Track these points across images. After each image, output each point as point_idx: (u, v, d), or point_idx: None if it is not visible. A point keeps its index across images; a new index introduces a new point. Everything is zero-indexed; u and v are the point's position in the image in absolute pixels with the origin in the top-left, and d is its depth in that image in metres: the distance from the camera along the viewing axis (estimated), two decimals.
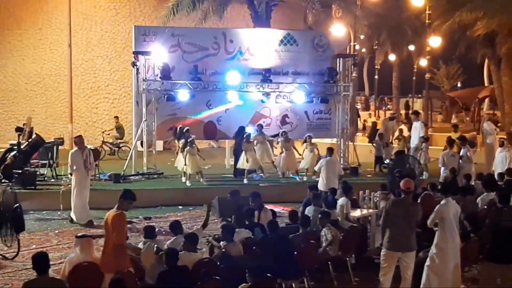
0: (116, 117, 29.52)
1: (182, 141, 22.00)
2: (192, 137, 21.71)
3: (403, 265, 11.18)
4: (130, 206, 10.53)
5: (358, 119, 42.80)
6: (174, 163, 22.69)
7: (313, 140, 23.42)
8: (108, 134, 29.38)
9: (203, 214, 18.99)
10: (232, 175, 23.32)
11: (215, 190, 20.46)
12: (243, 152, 22.16)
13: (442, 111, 61.19)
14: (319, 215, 13.12)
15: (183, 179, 22.15)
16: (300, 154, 23.47)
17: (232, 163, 25.35)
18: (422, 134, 24.50)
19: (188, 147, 21.39)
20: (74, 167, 17.74)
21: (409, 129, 27.58)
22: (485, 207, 14.78)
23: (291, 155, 23.02)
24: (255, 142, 22.91)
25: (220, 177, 23.03)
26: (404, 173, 16.79)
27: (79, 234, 10.96)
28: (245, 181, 22.12)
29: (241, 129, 23.28)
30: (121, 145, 28.64)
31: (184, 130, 22.21)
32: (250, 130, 23.46)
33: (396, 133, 27.55)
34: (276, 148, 25.04)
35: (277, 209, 17.73)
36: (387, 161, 23.40)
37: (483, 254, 11.56)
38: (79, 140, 18.34)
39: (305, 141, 23.41)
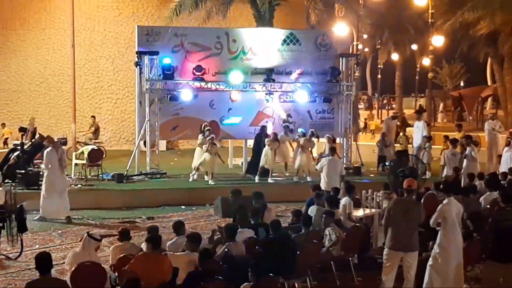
0: (93, 117, 29.38)
1: (201, 139, 22.00)
2: (212, 135, 21.73)
3: (406, 265, 11.20)
4: None
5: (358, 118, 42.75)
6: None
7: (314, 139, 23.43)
8: (85, 135, 29.20)
9: (206, 214, 19.19)
10: (244, 174, 23.65)
11: (218, 189, 20.50)
12: (267, 150, 22.21)
13: (444, 111, 61.03)
14: (324, 215, 13.13)
15: (191, 177, 22.18)
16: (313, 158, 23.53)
17: (235, 162, 25.47)
18: (425, 134, 24.49)
19: (209, 146, 21.44)
20: (49, 166, 17.74)
21: (404, 131, 27.67)
22: (488, 206, 14.79)
23: (307, 155, 22.99)
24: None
25: (224, 177, 23.00)
26: (407, 173, 16.83)
27: (91, 233, 10.91)
28: (256, 179, 22.27)
29: (264, 128, 23.31)
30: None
31: (205, 129, 22.27)
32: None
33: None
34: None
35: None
36: (388, 162, 23.33)
37: (485, 253, 11.57)
38: (50, 140, 18.42)
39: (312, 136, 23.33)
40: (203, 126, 22.68)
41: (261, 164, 22.37)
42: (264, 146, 22.35)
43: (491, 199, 14.88)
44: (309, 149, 23.03)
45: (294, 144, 23.66)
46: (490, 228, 11.18)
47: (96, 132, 28.69)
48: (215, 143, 21.68)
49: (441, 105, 61.04)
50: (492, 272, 11.05)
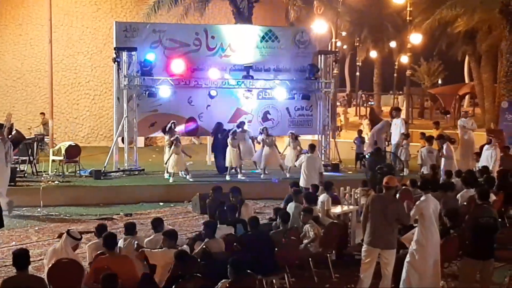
0: (43, 113, 29.10)
1: (167, 137, 22.04)
2: (176, 136, 21.72)
3: (383, 262, 11.22)
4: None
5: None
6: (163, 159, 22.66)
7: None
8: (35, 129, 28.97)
9: (184, 210, 19.15)
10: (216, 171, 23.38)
11: (196, 186, 20.46)
12: (229, 148, 22.16)
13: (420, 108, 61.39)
14: (302, 212, 13.15)
15: (166, 175, 22.16)
16: (279, 152, 23.52)
17: (214, 159, 25.41)
18: (402, 131, 24.57)
19: (173, 147, 21.41)
20: None
21: (369, 126, 27.71)
22: (465, 203, 14.87)
23: (273, 151, 23.02)
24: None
25: (202, 174, 22.98)
26: (385, 170, 16.89)
27: (71, 231, 10.82)
28: (227, 177, 22.15)
29: (219, 125, 23.33)
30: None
31: (168, 128, 22.24)
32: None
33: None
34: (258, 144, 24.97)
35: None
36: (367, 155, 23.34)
37: (462, 250, 11.63)
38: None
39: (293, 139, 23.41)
40: (171, 124, 22.56)
41: (226, 164, 22.38)
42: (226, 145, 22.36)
43: (468, 196, 14.98)
44: (271, 146, 23.00)
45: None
46: (467, 225, 11.21)
47: (46, 128, 28.33)
48: (179, 142, 21.60)
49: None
50: (469, 269, 11.10)
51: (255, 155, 23.53)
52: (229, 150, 22.17)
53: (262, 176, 22.86)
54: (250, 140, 23.70)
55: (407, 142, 24.21)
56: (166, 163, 22.00)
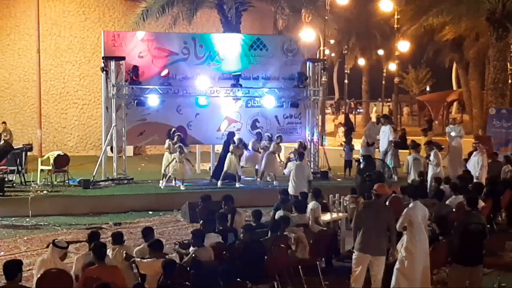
0: (4, 123, 28.88)
1: (169, 144, 21.95)
2: (180, 144, 21.65)
3: (373, 269, 11.26)
4: None
5: None
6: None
7: (284, 144, 23.51)
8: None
9: (174, 219, 19.13)
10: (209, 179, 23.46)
11: (185, 195, 20.43)
12: (230, 155, 22.19)
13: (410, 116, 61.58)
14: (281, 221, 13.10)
15: (162, 183, 22.14)
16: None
17: (203, 168, 25.41)
18: (391, 138, 24.63)
19: (177, 153, 21.38)
20: None
21: (345, 134, 27.79)
22: (453, 210, 14.91)
23: (275, 159, 23.04)
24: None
25: (191, 182, 22.93)
26: (374, 177, 16.91)
27: (57, 241, 10.79)
28: (219, 184, 22.22)
29: (232, 135, 23.28)
30: None
31: (173, 135, 22.21)
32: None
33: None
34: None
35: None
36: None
37: (451, 256, 11.67)
38: None
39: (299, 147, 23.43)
40: (172, 131, 22.60)
41: (224, 169, 22.37)
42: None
43: (457, 202, 15.03)
44: (275, 152, 23.06)
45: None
46: (455, 231, 11.26)
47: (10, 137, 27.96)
48: (183, 150, 21.59)
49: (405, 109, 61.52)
50: (458, 275, 11.15)
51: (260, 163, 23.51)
52: (230, 157, 22.17)
53: (258, 182, 22.84)
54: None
55: (395, 149, 24.25)
56: (165, 168, 21.90)
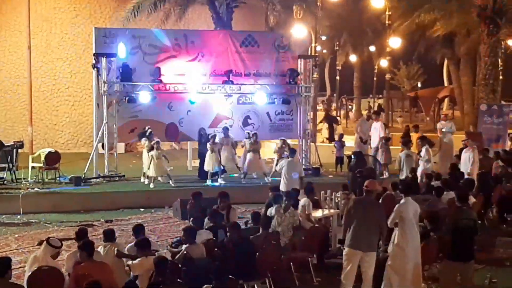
0: None
1: (146, 143, 21.97)
2: (156, 139, 21.66)
3: (364, 265, 11.27)
4: None
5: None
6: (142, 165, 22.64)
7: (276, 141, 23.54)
8: None
9: (165, 216, 19.11)
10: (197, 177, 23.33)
11: (177, 192, 20.39)
12: (208, 153, 22.13)
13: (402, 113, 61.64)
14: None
15: (142, 179, 22.12)
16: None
17: (194, 164, 25.34)
18: (382, 134, 24.66)
19: (153, 151, 21.35)
20: None
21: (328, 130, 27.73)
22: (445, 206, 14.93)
23: (256, 157, 23.05)
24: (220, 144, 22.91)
25: (182, 179, 22.93)
26: (365, 174, 16.94)
27: (51, 240, 10.75)
28: (208, 182, 22.11)
29: (202, 130, 23.31)
30: None
31: (147, 133, 22.19)
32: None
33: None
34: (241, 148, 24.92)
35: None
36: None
37: (443, 252, 11.68)
38: None
39: (281, 145, 23.45)
40: (146, 129, 22.51)
41: (205, 168, 22.36)
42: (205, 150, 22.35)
43: (448, 198, 15.05)
44: (256, 151, 23.07)
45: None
46: (446, 227, 11.27)
47: None
48: (159, 147, 21.54)
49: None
50: (450, 271, 11.16)
51: (239, 160, 23.54)
52: (208, 154, 22.14)
53: (242, 181, 22.86)
54: (231, 145, 23.61)
55: (386, 146, 24.28)
56: (148, 168, 21.86)
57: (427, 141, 21.63)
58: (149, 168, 21.66)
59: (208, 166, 22.18)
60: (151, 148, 21.60)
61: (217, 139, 22.61)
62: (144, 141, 22.35)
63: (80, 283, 9.34)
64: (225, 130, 23.49)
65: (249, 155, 23.02)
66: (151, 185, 21.61)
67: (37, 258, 10.44)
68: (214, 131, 23.69)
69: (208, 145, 22.10)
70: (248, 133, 23.56)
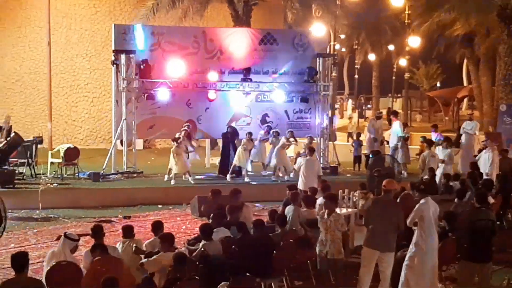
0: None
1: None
2: (178, 136, 21.69)
3: (382, 265, 11.24)
4: None
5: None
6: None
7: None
8: None
9: (183, 213, 19.14)
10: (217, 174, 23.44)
11: (195, 189, 20.43)
12: (240, 149, 22.16)
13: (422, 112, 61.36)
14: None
15: (166, 177, 22.16)
16: None
17: (212, 162, 25.38)
18: (400, 134, 24.58)
19: (173, 147, 21.38)
20: None
21: None
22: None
23: (285, 153, 23.05)
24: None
25: (201, 176, 22.96)
26: (383, 172, 16.89)
27: (68, 233, 10.81)
28: (228, 178, 22.14)
29: (233, 128, 23.35)
30: None
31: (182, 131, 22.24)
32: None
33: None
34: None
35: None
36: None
37: (460, 253, 11.63)
38: None
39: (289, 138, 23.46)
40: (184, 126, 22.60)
41: (234, 163, 22.36)
42: (234, 146, 22.31)
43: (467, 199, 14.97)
44: (285, 146, 23.07)
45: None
46: (464, 228, 11.22)
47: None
48: (179, 144, 21.56)
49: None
50: (467, 272, 11.11)
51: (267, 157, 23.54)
52: (240, 150, 22.17)
53: (272, 178, 22.84)
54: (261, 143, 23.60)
55: (405, 145, 24.21)
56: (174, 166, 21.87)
57: (451, 143, 21.48)
58: (176, 167, 21.64)
59: (238, 162, 22.20)
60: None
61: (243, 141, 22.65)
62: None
63: (96, 278, 9.38)
64: (269, 128, 23.63)
65: (278, 151, 22.88)
66: (172, 182, 21.65)
67: (55, 253, 10.48)
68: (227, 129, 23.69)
69: (244, 141, 22.15)
70: (278, 131, 23.45)
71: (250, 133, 22.64)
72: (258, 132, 23.81)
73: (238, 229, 12.04)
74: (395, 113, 27.78)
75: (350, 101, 59.27)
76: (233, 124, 24.14)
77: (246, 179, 22.32)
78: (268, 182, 22.55)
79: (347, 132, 37.44)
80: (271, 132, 23.55)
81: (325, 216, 11.80)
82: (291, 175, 22.51)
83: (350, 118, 41.93)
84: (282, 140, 22.92)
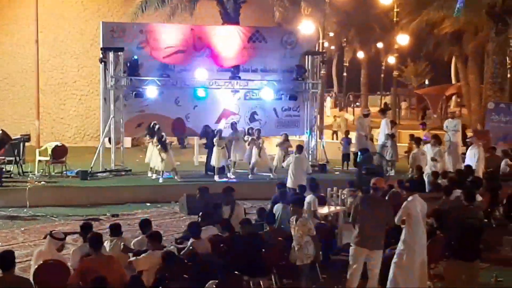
0: None
1: (154, 139, 21.93)
2: (162, 134, 21.66)
3: (370, 263, 11.24)
4: None
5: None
6: (145, 159, 22.69)
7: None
8: None
9: (171, 211, 19.12)
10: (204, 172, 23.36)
11: (183, 187, 20.41)
12: (215, 148, 22.10)
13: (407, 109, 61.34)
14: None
15: (150, 173, 22.14)
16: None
17: (201, 160, 25.34)
18: (387, 132, 24.62)
19: (159, 146, 21.34)
20: None
21: None
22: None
23: (262, 153, 23.01)
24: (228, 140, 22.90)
25: (189, 174, 22.94)
26: (370, 170, 16.91)
27: (54, 233, 10.76)
28: (216, 178, 22.07)
29: (207, 127, 23.32)
30: None
31: (156, 128, 22.13)
32: (222, 126, 23.53)
33: None
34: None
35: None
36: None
37: (448, 251, 11.65)
38: None
39: (284, 140, 23.49)
40: (152, 124, 22.44)
41: (212, 163, 22.35)
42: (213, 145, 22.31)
43: (455, 197, 14.99)
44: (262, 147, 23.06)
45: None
46: (452, 226, 11.23)
47: None
48: (166, 141, 21.56)
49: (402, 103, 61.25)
50: (455, 270, 11.11)
51: (245, 155, 23.50)
52: (215, 150, 22.13)
53: (249, 176, 22.85)
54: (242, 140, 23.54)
55: (393, 143, 24.24)
56: (156, 163, 21.83)
57: (438, 141, 21.53)
58: (164, 164, 21.57)
59: (214, 162, 22.16)
60: (160, 143, 21.50)
61: (224, 134, 22.58)
62: (148, 137, 22.31)
63: (85, 277, 9.35)
64: (234, 124, 23.48)
65: (254, 150, 22.95)
66: (160, 180, 21.61)
67: (42, 252, 10.44)
68: (218, 126, 23.66)
69: (215, 140, 22.09)
70: (257, 130, 23.38)
71: (219, 131, 22.51)
72: (245, 129, 23.76)
73: (223, 228, 12.05)
74: (384, 111, 27.77)
75: (328, 98, 59.22)
76: (221, 122, 24.10)
77: (229, 175, 22.30)
78: (256, 180, 22.50)
79: (332, 130, 37.45)
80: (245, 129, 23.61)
81: (294, 222, 11.58)
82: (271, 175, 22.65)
83: (334, 116, 41.91)
84: (260, 141, 22.94)
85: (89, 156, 24.19)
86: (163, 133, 21.83)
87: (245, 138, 23.37)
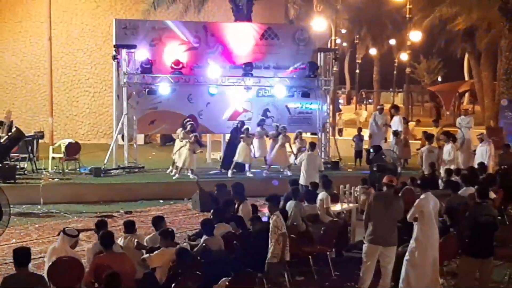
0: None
1: (181, 132, 21.94)
2: (195, 134, 21.68)
3: (384, 260, 11.25)
4: None
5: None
6: (172, 155, 22.64)
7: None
8: None
9: (184, 208, 19.16)
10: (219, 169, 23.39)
11: (196, 184, 20.40)
12: (241, 145, 22.12)
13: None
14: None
15: (171, 168, 22.27)
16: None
17: (213, 157, 25.38)
18: (400, 129, 24.58)
19: (188, 144, 21.37)
20: None
21: None
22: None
23: (283, 150, 23.01)
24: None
25: (201, 171, 22.93)
26: (382, 167, 16.87)
27: (67, 230, 10.80)
28: (229, 174, 22.11)
29: (242, 124, 23.24)
30: None
31: (187, 124, 22.17)
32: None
33: None
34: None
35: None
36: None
37: (461, 248, 11.64)
38: None
39: (296, 138, 23.49)
40: (185, 120, 22.56)
41: (235, 159, 22.33)
42: (239, 142, 22.29)
43: (468, 194, 14.96)
44: (285, 144, 23.01)
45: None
46: (466, 223, 11.22)
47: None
48: (197, 141, 21.58)
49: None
50: (468, 267, 11.12)
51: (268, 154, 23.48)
52: (241, 146, 22.13)
53: (264, 173, 22.84)
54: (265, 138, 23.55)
55: (400, 140, 24.21)
56: (178, 163, 21.90)
57: (451, 138, 21.45)
58: (183, 161, 21.63)
59: (238, 157, 22.20)
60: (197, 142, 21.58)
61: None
62: (179, 131, 22.28)
63: (99, 273, 9.39)
64: (262, 121, 23.60)
65: (276, 148, 22.91)
66: (175, 176, 21.65)
67: (56, 249, 10.48)
68: (233, 123, 23.67)
69: (244, 136, 22.16)
70: (283, 128, 23.37)
71: (248, 129, 22.56)
72: (255, 127, 23.74)
73: (237, 224, 12.08)
74: (396, 108, 27.73)
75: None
76: (234, 120, 24.10)
77: (248, 174, 22.33)
78: (269, 176, 22.46)
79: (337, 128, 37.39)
80: (272, 125, 23.59)
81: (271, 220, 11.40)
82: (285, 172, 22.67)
83: (339, 114, 41.81)
84: (281, 138, 22.87)
85: (102, 153, 24.27)
86: (195, 133, 21.84)
87: (270, 133, 23.32)
